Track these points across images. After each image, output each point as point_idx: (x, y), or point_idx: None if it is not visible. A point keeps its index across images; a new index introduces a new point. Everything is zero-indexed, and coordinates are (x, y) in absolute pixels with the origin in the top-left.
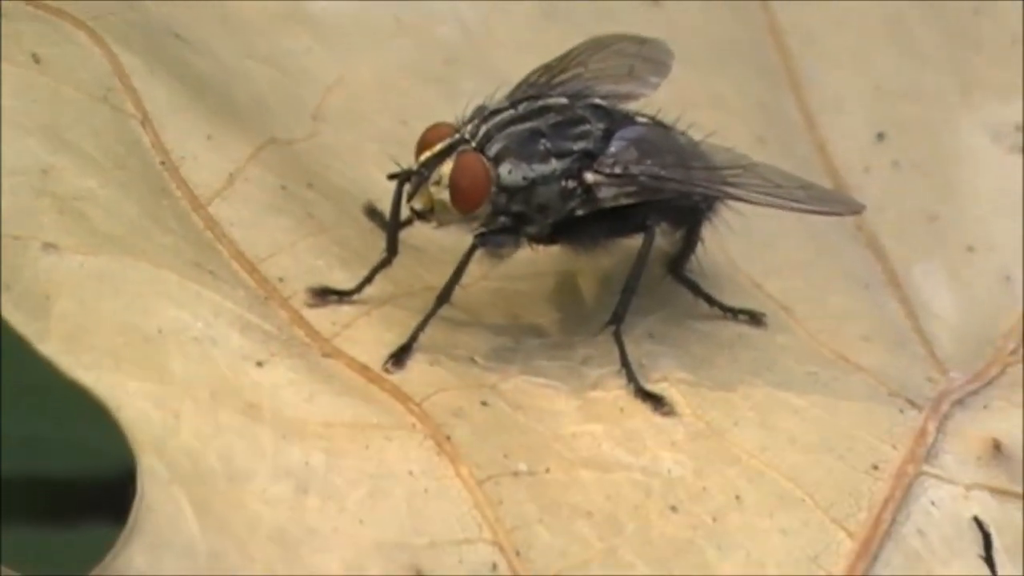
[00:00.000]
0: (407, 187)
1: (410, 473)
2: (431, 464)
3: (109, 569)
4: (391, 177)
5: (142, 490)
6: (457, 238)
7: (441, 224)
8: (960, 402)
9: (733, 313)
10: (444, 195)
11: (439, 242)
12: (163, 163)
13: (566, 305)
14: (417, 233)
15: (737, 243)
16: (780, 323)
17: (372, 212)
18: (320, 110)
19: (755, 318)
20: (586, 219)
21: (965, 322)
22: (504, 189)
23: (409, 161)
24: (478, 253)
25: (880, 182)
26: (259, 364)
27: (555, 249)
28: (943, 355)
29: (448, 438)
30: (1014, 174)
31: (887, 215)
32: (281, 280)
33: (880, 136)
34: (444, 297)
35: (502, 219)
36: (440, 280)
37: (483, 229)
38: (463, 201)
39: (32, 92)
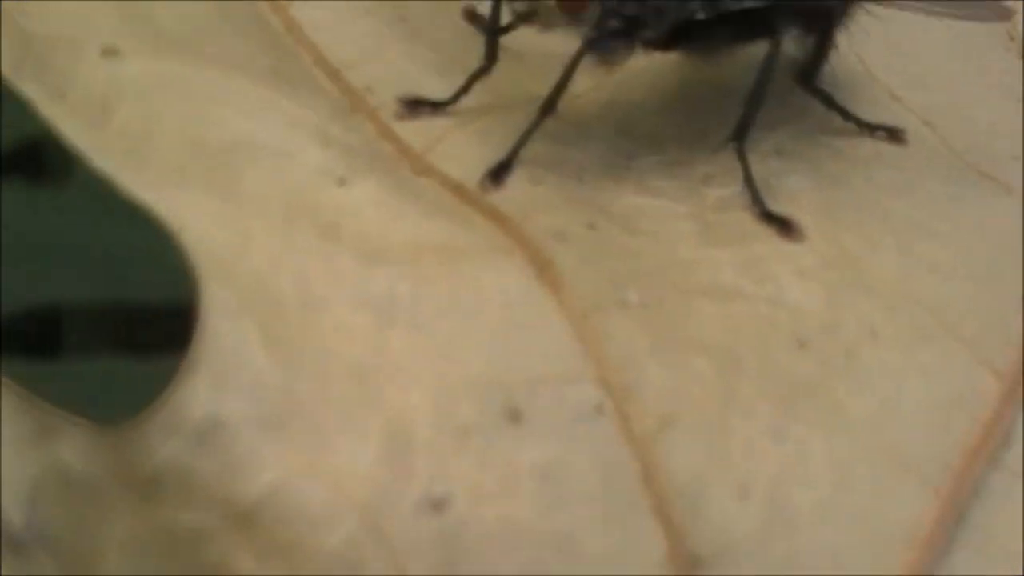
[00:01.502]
0: None
1: (507, 302)
2: (530, 293)
3: (167, 405)
4: None
5: (204, 318)
6: (566, 43)
7: (546, 27)
8: None
9: (870, 128)
10: None
11: (545, 48)
12: None
13: (686, 119)
14: (521, 38)
15: (876, 51)
16: (922, 140)
17: (472, 15)
18: None
19: (894, 134)
20: (708, 23)
21: None
22: None
23: None
24: (587, 59)
25: None
26: (341, 181)
27: (674, 57)
28: None
29: (550, 263)
30: None
31: None
32: (368, 89)
33: None
34: (549, 108)
35: (614, 22)
36: (545, 90)
37: (593, 33)
38: (570, 2)
39: None
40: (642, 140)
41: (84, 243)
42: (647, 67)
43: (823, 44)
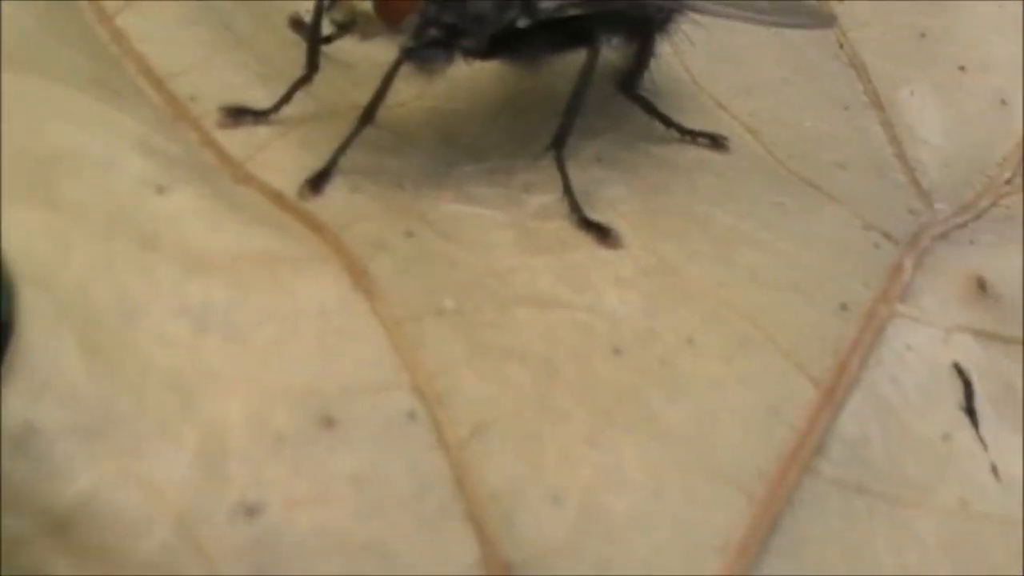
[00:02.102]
0: None
1: (322, 311)
2: (346, 301)
3: None
4: None
5: (22, 327)
6: (391, 53)
7: (365, 38)
8: (944, 236)
9: (692, 135)
10: (367, 5)
11: (371, 58)
12: None
13: (507, 127)
14: (347, 48)
15: (700, 59)
16: (746, 148)
17: (298, 24)
18: None
19: (716, 141)
20: (528, 32)
21: (954, 148)
22: None
23: None
24: (406, 69)
25: None
26: (160, 190)
27: (495, 65)
28: (928, 184)
29: (366, 272)
30: None
31: (872, 31)
32: (192, 99)
33: None
34: (368, 116)
35: (433, 31)
36: (368, 100)
37: (412, 43)
38: (388, 12)
39: None
40: (464, 148)
41: None
42: (470, 75)
43: (644, 52)
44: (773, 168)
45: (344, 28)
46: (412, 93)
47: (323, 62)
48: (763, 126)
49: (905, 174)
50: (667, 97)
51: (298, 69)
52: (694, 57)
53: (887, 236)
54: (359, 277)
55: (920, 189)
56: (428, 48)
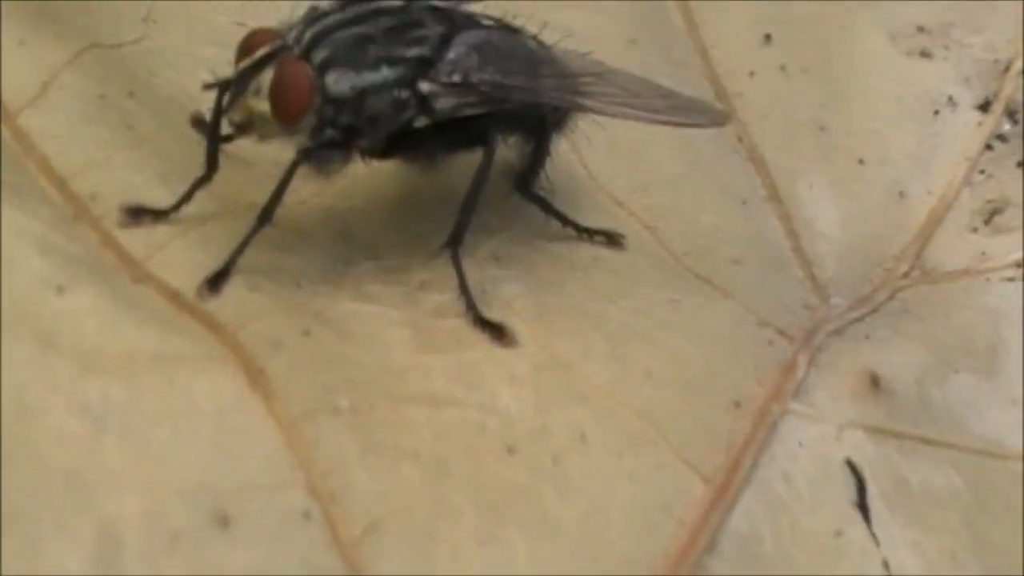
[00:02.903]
0: (226, 97)
1: (218, 410)
2: (242, 400)
3: None
4: (208, 87)
5: None
6: (289, 152)
7: (263, 138)
8: (839, 332)
9: (588, 233)
10: (264, 106)
11: (271, 157)
12: None
13: (404, 225)
14: (247, 146)
15: (598, 157)
16: (643, 245)
17: (200, 123)
18: (151, 12)
19: (613, 239)
20: (424, 131)
21: (852, 242)
22: (330, 100)
23: None
24: (303, 169)
25: (765, 88)
26: (59, 290)
27: (392, 164)
28: (825, 278)
29: (262, 371)
30: (912, 80)
31: (771, 124)
32: (93, 198)
33: (767, 38)
34: (265, 216)
35: (329, 132)
36: (258, 195)
37: (309, 143)
38: (284, 113)
39: None
40: (361, 246)
41: None
42: (367, 173)
43: (539, 151)
44: (669, 265)
45: (242, 129)
46: (310, 191)
47: (223, 160)
48: (660, 222)
49: (802, 268)
50: (564, 194)
51: (199, 168)
52: (591, 154)
53: (781, 333)
54: (256, 376)
55: (816, 283)
56: (325, 148)
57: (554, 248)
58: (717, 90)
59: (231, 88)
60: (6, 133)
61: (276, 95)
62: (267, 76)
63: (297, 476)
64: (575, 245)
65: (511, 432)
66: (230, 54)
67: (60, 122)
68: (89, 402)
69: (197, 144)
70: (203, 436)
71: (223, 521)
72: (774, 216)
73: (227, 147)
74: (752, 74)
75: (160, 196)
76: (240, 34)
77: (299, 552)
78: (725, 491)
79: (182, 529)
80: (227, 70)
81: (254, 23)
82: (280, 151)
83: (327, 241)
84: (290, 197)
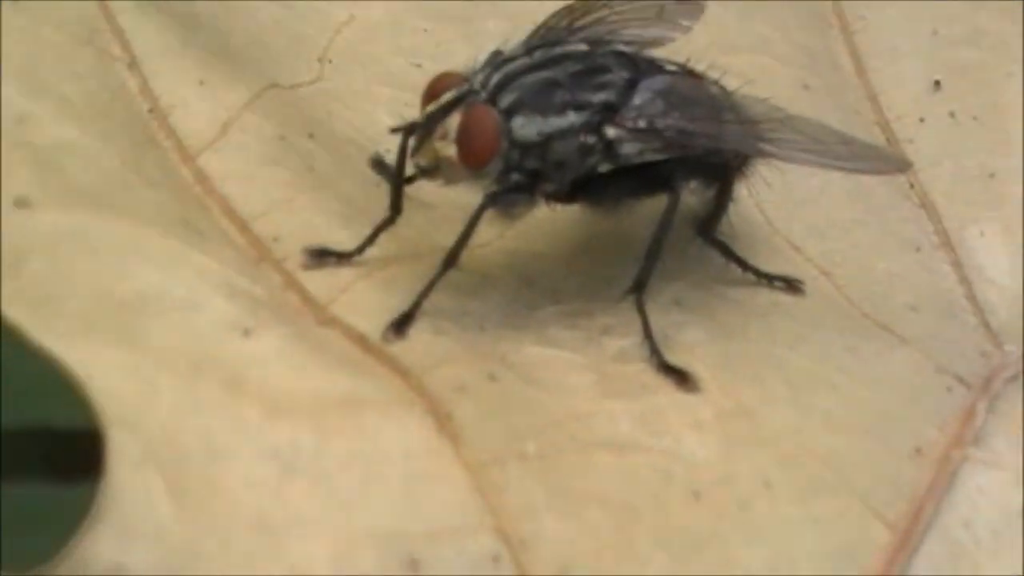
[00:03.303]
0: (412, 141)
1: (407, 455)
2: (430, 445)
3: (71, 560)
4: (394, 131)
5: (110, 471)
6: (472, 195)
7: (448, 182)
8: (1014, 379)
9: (768, 279)
10: (450, 151)
11: (453, 200)
12: (151, 111)
13: (586, 269)
14: (429, 188)
15: (774, 202)
16: (820, 290)
17: (380, 164)
18: (327, 52)
19: (792, 285)
20: (608, 176)
21: (1022, 288)
22: (516, 144)
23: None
24: (488, 213)
25: (935, 135)
26: (246, 333)
27: (575, 209)
28: (997, 325)
29: (449, 416)
30: None
31: (942, 171)
32: (275, 240)
33: (936, 84)
34: (451, 260)
35: (515, 176)
36: (450, 240)
37: (495, 187)
38: (471, 157)
39: (10, 34)
40: (544, 290)
41: None
42: (550, 217)
43: (722, 197)
44: (846, 310)
45: (427, 173)
46: (493, 234)
47: (405, 203)
48: (836, 268)
49: (976, 315)
50: (743, 239)
51: (380, 210)
52: (769, 199)
53: (959, 380)
54: (443, 421)
55: (990, 331)
56: (511, 192)
57: (734, 293)
58: (887, 136)
59: (417, 131)
60: (187, 175)
61: (464, 140)
62: (454, 120)
63: (486, 520)
64: (754, 290)
65: (697, 478)
66: (407, 95)
67: (241, 164)
68: (278, 446)
69: (377, 186)
70: (392, 481)
71: (413, 565)
72: (946, 263)
73: (408, 189)
74: (922, 120)
75: (342, 238)
76: (417, 76)
77: None
78: (908, 538)
79: (372, 574)
80: (405, 111)
81: (430, 64)
82: (461, 194)
83: (510, 285)
84: (472, 240)
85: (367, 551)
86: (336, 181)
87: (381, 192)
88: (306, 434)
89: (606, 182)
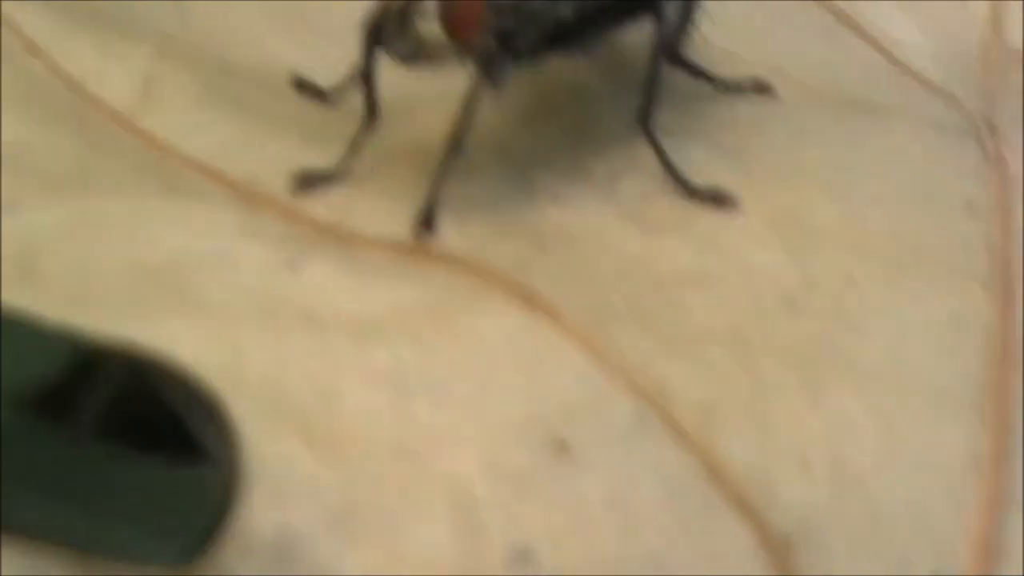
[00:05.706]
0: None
1: (510, 341)
2: (527, 324)
3: (237, 531)
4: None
5: (240, 436)
6: (406, 88)
7: (432, 62)
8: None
9: (738, 86)
10: (435, 30)
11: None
12: (71, 89)
13: (580, 121)
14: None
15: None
16: (781, 87)
17: (301, 85)
18: None
19: (760, 85)
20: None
21: None
22: (492, 6)
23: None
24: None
25: None
26: (293, 268)
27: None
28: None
29: (531, 292)
30: None
31: None
32: (256, 179)
33: None
34: (458, 146)
35: (493, 42)
36: (421, 134)
37: (483, 59)
38: (461, 29)
39: None
40: (547, 152)
41: None
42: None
43: (686, 15)
44: (818, 98)
45: (409, 59)
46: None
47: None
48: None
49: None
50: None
51: (332, 126)
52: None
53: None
54: (527, 299)
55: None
56: (495, 60)
57: (713, 109)
58: None
59: (390, 19)
60: (139, 141)
61: (451, 12)
62: (425, 2)
63: (617, 382)
64: (731, 103)
65: (782, 289)
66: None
67: (179, 116)
68: (382, 371)
69: (312, 105)
70: (507, 371)
71: (562, 445)
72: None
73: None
74: None
75: (317, 162)
76: None
77: (645, 456)
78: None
79: (526, 467)
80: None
81: None
82: (401, 91)
83: (501, 162)
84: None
85: (512, 445)
86: (272, 107)
87: (321, 110)
88: (403, 349)
89: (589, 20)
